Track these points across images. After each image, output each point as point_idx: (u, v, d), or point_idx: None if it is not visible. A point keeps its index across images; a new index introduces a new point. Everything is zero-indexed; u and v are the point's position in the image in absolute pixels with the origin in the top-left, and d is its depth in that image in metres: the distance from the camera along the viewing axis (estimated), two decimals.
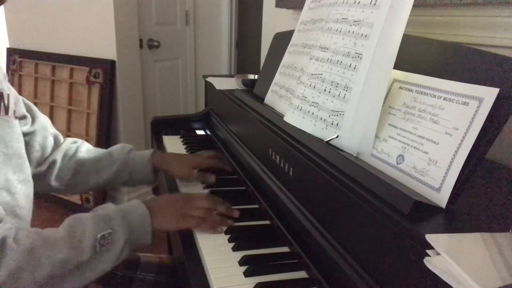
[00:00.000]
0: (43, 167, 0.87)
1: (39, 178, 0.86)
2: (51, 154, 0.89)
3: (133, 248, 0.68)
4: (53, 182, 0.89)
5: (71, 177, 0.90)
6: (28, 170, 0.74)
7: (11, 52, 2.47)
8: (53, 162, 0.88)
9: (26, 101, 0.83)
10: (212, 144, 1.25)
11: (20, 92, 2.39)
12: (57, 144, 0.91)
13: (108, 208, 0.69)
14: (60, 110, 2.30)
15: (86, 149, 0.95)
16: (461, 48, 0.56)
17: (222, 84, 1.31)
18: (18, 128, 0.74)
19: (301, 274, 0.63)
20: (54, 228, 0.64)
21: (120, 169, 0.93)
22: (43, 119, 0.88)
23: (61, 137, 0.93)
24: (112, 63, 2.11)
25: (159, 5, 2.44)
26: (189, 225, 0.73)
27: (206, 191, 0.91)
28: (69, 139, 0.95)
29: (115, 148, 0.97)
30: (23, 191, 0.71)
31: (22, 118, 0.80)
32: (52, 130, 0.91)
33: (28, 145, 0.81)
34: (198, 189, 0.93)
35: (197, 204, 0.74)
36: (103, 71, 2.12)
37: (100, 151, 0.96)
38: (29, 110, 0.83)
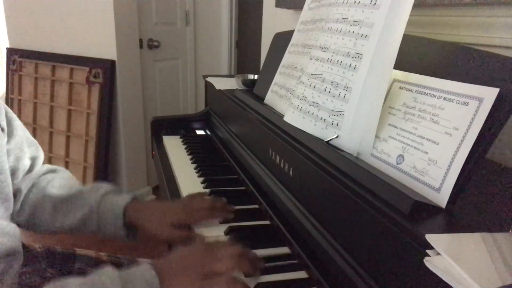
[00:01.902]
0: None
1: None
2: (18, 180, 0.73)
3: None
4: (16, 215, 0.73)
5: (33, 213, 0.74)
6: (8, 189, 0.63)
7: (11, 52, 2.47)
8: (18, 191, 0.73)
9: (9, 113, 0.70)
10: (212, 143, 1.25)
11: (20, 92, 2.39)
12: (30, 170, 0.76)
13: (105, 273, 0.53)
14: (60, 110, 2.30)
15: (59, 184, 0.77)
16: (461, 48, 0.56)
17: (222, 84, 1.31)
18: (3, 139, 0.64)
19: (301, 274, 0.63)
20: None
21: (86, 216, 0.73)
22: (20, 139, 0.72)
23: (39, 161, 0.78)
24: (112, 63, 2.11)
25: (159, 5, 2.44)
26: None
27: (207, 190, 0.91)
28: (45, 167, 0.79)
29: (88, 189, 0.77)
30: (2, 213, 0.61)
31: (2, 130, 0.67)
32: (30, 152, 0.75)
33: None
34: (198, 191, 0.93)
35: (222, 257, 0.57)
36: (103, 71, 2.12)
37: (72, 190, 0.77)
38: (9, 124, 0.69)
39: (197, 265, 0.56)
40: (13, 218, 0.72)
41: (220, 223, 0.77)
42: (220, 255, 0.58)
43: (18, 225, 0.70)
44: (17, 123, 0.73)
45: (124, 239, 0.74)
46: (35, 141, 0.78)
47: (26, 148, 0.74)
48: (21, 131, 0.74)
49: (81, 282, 0.50)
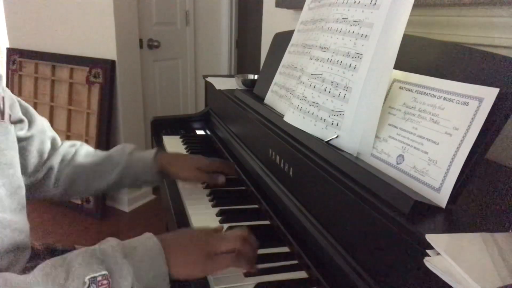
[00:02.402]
0: (40, 174, 0.80)
1: (36, 186, 0.80)
2: (48, 159, 0.81)
3: None
4: (52, 190, 0.83)
5: (70, 184, 0.83)
6: (18, 182, 0.66)
7: (11, 52, 2.47)
8: (51, 169, 0.81)
9: (23, 103, 0.77)
10: (212, 143, 1.25)
11: (20, 92, 2.39)
12: (54, 148, 0.84)
13: (106, 242, 0.53)
14: (60, 110, 2.30)
15: (85, 153, 0.87)
16: (461, 48, 0.56)
17: (222, 84, 1.31)
18: (14, 134, 0.67)
19: (301, 274, 0.63)
20: (29, 274, 0.48)
21: (122, 173, 0.85)
22: (40, 122, 0.80)
23: (58, 140, 0.87)
24: (112, 63, 2.11)
25: (159, 5, 2.44)
26: (223, 266, 0.56)
27: (207, 191, 0.91)
28: (67, 142, 0.88)
29: (115, 150, 0.90)
30: (9, 206, 0.62)
31: (18, 122, 0.73)
32: (50, 133, 0.84)
33: (25, 151, 0.75)
34: (198, 189, 0.93)
35: (227, 237, 0.59)
36: (103, 71, 2.12)
37: (99, 154, 0.89)
38: (26, 113, 0.76)
39: (202, 243, 0.56)
40: (50, 192, 0.82)
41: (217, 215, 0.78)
42: (225, 236, 0.60)
43: (58, 197, 0.84)
44: (33, 110, 0.79)
45: (159, 183, 0.91)
46: (49, 123, 0.86)
47: (46, 129, 0.82)
48: (38, 116, 0.81)
49: (79, 251, 0.51)
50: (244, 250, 0.57)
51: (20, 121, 0.74)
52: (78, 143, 0.91)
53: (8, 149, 0.64)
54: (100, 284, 0.47)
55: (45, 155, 0.81)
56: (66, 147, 0.87)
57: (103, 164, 0.86)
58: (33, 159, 0.78)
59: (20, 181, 0.67)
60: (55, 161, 0.82)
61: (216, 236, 0.59)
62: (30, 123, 0.77)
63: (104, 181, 0.85)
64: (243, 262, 0.57)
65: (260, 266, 0.63)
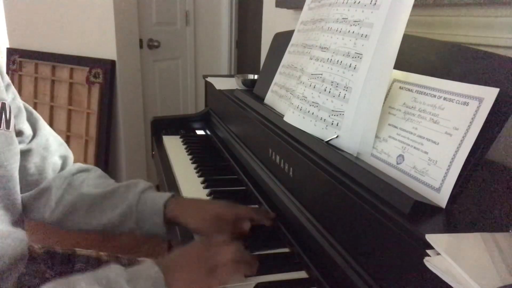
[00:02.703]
0: (34, 193, 0.72)
1: (29, 206, 0.73)
2: (49, 179, 0.74)
3: None
4: (47, 213, 0.73)
5: (66, 213, 0.73)
6: (15, 196, 0.63)
7: (11, 52, 2.47)
8: (47, 189, 0.73)
9: (33, 114, 0.71)
10: (212, 143, 1.25)
11: (20, 92, 2.39)
12: (62, 168, 0.77)
13: (110, 268, 0.52)
14: (60, 110, 2.30)
15: (94, 183, 0.76)
16: (461, 48, 0.56)
17: (222, 84, 1.31)
18: (17, 145, 0.64)
19: (301, 274, 0.63)
20: None
21: (125, 213, 0.71)
22: (44, 136, 0.73)
23: (70, 160, 0.78)
24: (112, 63, 2.11)
25: (159, 5, 2.44)
26: (226, 276, 0.56)
27: (206, 190, 0.90)
28: (78, 165, 0.79)
29: (125, 184, 0.76)
30: (6, 219, 0.61)
31: (19, 133, 0.68)
32: (60, 150, 0.76)
33: (20, 166, 0.67)
34: (199, 191, 0.93)
35: (220, 249, 0.58)
36: (103, 71, 2.12)
37: (108, 185, 0.76)
38: (34, 124, 0.71)
39: (200, 260, 0.56)
40: (44, 217, 0.73)
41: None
42: (220, 248, 0.58)
43: (51, 223, 0.73)
44: (42, 123, 0.74)
45: (164, 236, 0.73)
46: (63, 142, 0.79)
47: (54, 146, 0.75)
48: (46, 130, 0.74)
49: (86, 276, 0.50)
50: (240, 257, 0.58)
51: (20, 133, 0.69)
52: (92, 168, 0.81)
53: (10, 161, 0.61)
54: None
55: (46, 174, 0.74)
56: (75, 170, 0.78)
57: (109, 198, 0.74)
58: (29, 177, 0.71)
59: (17, 195, 0.65)
60: (57, 184, 0.74)
61: (211, 251, 0.58)
62: (34, 134, 0.72)
63: (105, 218, 0.72)
64: (243, 268, 0.57)
65: (260, 266, 0.63)
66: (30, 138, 0.70)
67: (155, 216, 0.71)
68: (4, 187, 0.60)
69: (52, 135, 0.75)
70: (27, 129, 0.70)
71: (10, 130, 0.62)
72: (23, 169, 0.69)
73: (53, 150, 0.74)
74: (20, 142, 0.68)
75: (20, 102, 0.70)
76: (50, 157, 0.73)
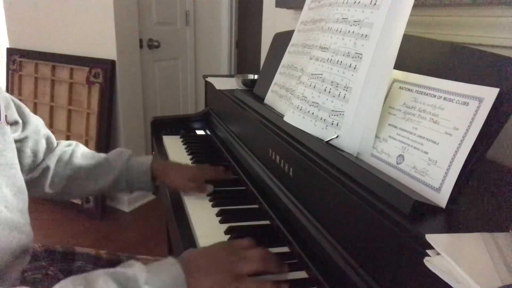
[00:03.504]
0: (35, 174, 0.81)
1: (32, 185, 0.80)
2: (43, 159, 0.82)
3: None
4: (47, 189, 0.83)
5: (66, 184, 0.85)
6: (20, 182, 0.67)
7: (11, 52, 2.47)
8: (47, 169, 0.82)
9: (17, 102, 0.76)
10: (212, 143, 1.25)
11: (20, 92, 2.39)
12: (49, 147, 0.85)
13: (130, 266, 0.52)
14: (60, 110, 2.30)
15: (81, 154, 0.88)
16: (461, 48, 0.56)
17: (222, 84, 1.31)
18: (10, 135, 0.67)
19: (301, 274, 0.63)
20: None
21: (117, 178, 0.87)
22: (34, 122, 0.79)
23: (53, 139, 0.87)
24: (112, 63, 2.11)
25: (159, 5, 2.44)
26: None
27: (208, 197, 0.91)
28: (63, 142, 0.89)
29: (112, 154, 0.91)
30: (16, 206, 0.63)
31: (13, 124, 0.73)
32: (44, 131, 0.83)
33: (20, 152, 0.75)
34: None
35: (248, 256, 0.57)
36: (103, 71, 2.12)
37: (96, 156, 0.90)
38: (20, 113, 0.76)
39: (225, 265, 0.55)
40: (45, 192, 0.83)
41: (217, 216, 0.77)
42: (246, 255, 0.57)
43: (52, 196, 0.86)
44: (27, 110, 0.79)
45: (152, 190, 0.92)
46: (43, 121, 0.85)
47: (42, 130, 0.82)
48: (33, 116, 0.80)
49: (103, 272, 0.50)
50: (268, 270, 0.57)
51: (15, 122, 0.74)
52: (73, 143, 0.91)
53: (7, 150, 0.64)
54: None
55: (40, 155, 0.82)
56: (62, 147, 0.88)
57: (100, 167, 0.88)
58: (27, 159, 0.78)
59: (22, 181, 0.67)
60: (52, 161, 0.83)
61: (237, 255, 0.57)
62: (25, 124, 0.76)
63: (99, 184, 0.87)
64: (268, 285, 0.55)
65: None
66: (22, 126, 0.75)
67: (145, 176, 0.89)
68: (8, 175, 0.63)
69: (37, 118, 0.82)
70: (19, 118, 0.75)
71: (1, 121, 0.64)
72: (21, 154, 0.76)
73: (41, 133, 0.82)
74: (15, 131, 0.74)
75: (6, 94, 0.72)
76: (40, 139, 0.81)
